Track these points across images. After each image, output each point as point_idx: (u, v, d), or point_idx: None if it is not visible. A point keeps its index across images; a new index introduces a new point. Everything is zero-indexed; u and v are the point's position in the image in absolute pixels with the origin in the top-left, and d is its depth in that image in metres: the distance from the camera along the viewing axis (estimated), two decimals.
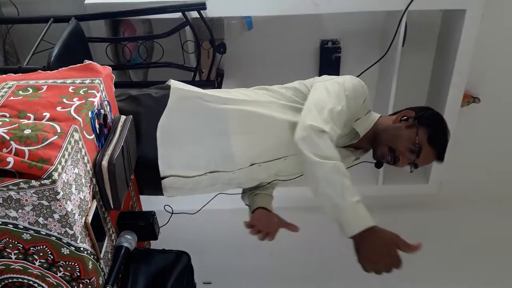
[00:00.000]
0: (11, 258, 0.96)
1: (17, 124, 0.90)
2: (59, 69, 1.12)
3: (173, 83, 1.39)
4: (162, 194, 1.37)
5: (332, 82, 1.31)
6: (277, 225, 1.39)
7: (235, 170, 1.31)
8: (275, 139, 1.30)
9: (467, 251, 2.32)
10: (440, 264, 2.23)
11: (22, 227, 0.90)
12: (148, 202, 1.40)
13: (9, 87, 1.03)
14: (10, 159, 0.82)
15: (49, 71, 1.12)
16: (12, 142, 0.85)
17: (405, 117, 1.33)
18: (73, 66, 1.12)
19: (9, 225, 0.90)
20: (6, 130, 0.87)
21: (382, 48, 2.22)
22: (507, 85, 2.32)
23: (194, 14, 1.91)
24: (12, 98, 0.99)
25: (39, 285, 1.00)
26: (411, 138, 1.27)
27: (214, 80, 2.16)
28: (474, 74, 2.16)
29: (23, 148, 0.85)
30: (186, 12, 1.90)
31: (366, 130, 1.33)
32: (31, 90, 1.02)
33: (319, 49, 2.34)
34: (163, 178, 1.32)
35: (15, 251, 0.94)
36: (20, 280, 1.00)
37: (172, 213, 1.62)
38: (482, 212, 2.45)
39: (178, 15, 1.92)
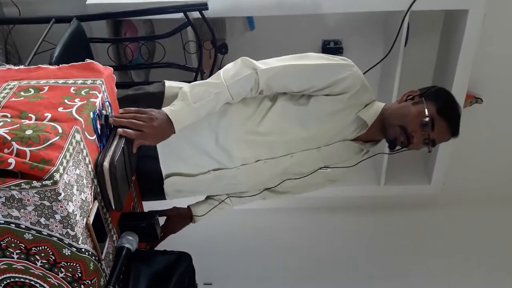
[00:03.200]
0: (13, 258, 0.96)
1: (18, 125, 0.89)
2: (60, 65, 1.12)
3: (168, 82, 1.37)
4: (164, 198, 1.37)
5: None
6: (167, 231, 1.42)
7: (238, 165, 1.29)
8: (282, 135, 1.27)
9: (468, 251, 2.32)
10: (440, 263, 2.23)
11: (24, 226, 0.90)
12: (149, 203, 1.40)
13: (11, 88, 1.03)
14: (12, 160, 0.82)
15: (49, 67, 1.12)
16: (13, 143, 0.85)
17: (410, 96, 1.29)
18: (74, 63, 1.12)
19: (11, 224, 0.90)
20: (7, 131, 0.87)
21: (384, 49, 2.21)
22: (510, 85, 2.31)
23: (196, 14, 1.91)
24: (13, 99, 0.99)
25: (40, 285, 1.00)
26: (421, 113, 1.21)
27: None
28: (477, 74, 2.15)
29: (24, 148, 0.84)
30: (187, 13, 1.89)
31: (373, 118, 1.27)
32: (32, 91, 1.02)
33: (321, 49, 2.33)
34: (166, 177, 1.31)
35: (17, 251, 0.94)
36: (22, 280, 1.00)
37: None
38: (484, 213, 2.44)
39: (179, 15, 1.91)
